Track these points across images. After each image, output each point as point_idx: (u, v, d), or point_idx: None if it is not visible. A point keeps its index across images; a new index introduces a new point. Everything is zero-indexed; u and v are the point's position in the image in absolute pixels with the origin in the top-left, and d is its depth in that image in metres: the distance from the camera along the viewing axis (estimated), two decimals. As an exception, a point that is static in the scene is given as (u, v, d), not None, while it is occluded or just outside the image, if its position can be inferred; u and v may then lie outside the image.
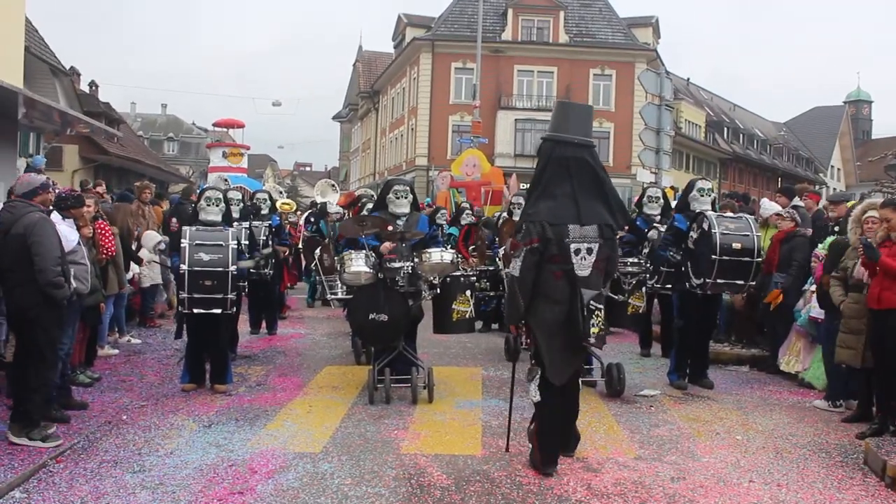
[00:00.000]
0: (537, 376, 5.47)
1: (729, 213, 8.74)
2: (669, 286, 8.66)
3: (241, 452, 5.78)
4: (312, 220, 14.38)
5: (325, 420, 6.71)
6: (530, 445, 5.64)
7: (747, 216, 8.21)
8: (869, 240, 6.55)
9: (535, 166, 5.73)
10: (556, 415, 5.49)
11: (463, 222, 13.09)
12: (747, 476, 5.51)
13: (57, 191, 7.10)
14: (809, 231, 9.39)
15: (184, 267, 7.18)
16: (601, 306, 5.40)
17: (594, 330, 5.34)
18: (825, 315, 7.70)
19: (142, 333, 10.72)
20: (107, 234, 8.33)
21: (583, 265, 5.33)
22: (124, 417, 6.65)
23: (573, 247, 5.30)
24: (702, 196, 8.32)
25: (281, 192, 17.21)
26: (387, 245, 7.47)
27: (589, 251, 5.34)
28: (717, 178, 55.17)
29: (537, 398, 5.47)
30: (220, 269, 7.20)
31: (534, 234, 5.29)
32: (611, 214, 5.45)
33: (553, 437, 5.49)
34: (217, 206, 7.82)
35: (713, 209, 8.41)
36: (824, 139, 75.61)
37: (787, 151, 69.02)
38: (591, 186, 5.42)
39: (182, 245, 7.27)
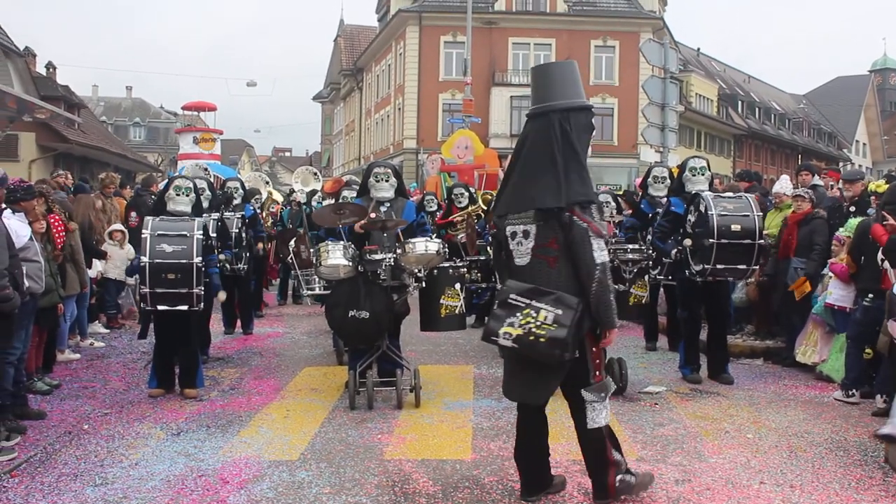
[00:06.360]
0: None
1: (728, 193, 8.79)
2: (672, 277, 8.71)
3: (212, 462, 5.81)
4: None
5: (303, 425, 6.74)
6: None
7: (748, 195, 8.27)
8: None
9: None
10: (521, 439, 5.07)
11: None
12: (758, 477, 5.55)
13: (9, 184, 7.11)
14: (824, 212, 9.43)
15: (144, 259, 7.20)
16: (545, 307, 4.58)
17: (510, 330, 4.62)
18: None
19: (106, 336, 10.74)
20: (59, 228, 8.31)
21: (519, 251, 4.82)
22: (86, 427, 6.67)
23: (509, 229, 4.87)
24: (694, 176, 8.35)
25: (267, 182, 17.20)
26: (359, 224, 7.40)
27: (525, 234, 4.78)
28: (731, 155, 55.39)
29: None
30: (185, 260, 7.21)
31: (493, 219, 5.14)
32: (554, 191, 4.63)
33: (523, 464, 5.08)
34: (187, 195, 7.85)
35: (710, 189, 8.44)
36: (848, 112, 75.68)
37: (807, 126, 69.18)
38: (535, 162, 4.76)
39: (143, 235, 7.29)
